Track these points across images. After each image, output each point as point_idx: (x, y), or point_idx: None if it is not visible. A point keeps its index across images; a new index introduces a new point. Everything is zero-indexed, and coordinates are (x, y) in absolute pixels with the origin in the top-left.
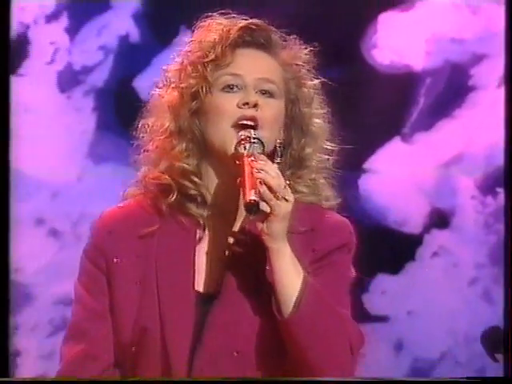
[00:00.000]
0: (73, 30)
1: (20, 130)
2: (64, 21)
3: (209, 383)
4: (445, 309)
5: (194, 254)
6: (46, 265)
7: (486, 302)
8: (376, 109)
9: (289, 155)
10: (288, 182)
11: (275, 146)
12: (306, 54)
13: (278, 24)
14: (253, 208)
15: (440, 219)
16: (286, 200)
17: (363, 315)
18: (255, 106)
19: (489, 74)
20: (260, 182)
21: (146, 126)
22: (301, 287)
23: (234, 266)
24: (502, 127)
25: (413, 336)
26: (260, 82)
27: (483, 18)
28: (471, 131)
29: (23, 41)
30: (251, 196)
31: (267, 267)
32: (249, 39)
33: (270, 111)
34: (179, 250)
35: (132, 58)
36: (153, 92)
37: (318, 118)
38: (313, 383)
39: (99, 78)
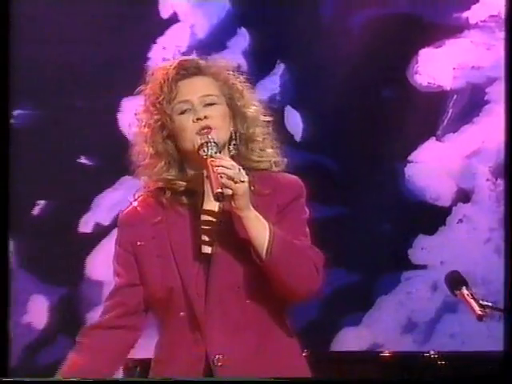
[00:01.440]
0: None
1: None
2: (194, 57)
3: (209, 383)
4: (467, 260)
5: (194, 227)
6: None
7: (497, 256)
8: (417, 117)
9: (239, 137)
10: (244, 164)
11: (230, 136)
12: (225, 63)
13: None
14: (219, 197)
15: (464, 196)
16: (242, 181)
17: (409, 265)
18: (205, 117)
19: (499, 92)
20: (220, 176)
21: (135, 153)
22: (268, 237)
23: (222, 231)
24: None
25: (443, 280)
26: (203, 99)
27: (495, 51)
28: (486, 133)
29: None
30: (216, 189)
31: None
32: (183, 72)
33: (217, 116)
34: (183, 228)
35: None
36: (132, 129)
37: (253, 105)
38: (313, 383)
39: None
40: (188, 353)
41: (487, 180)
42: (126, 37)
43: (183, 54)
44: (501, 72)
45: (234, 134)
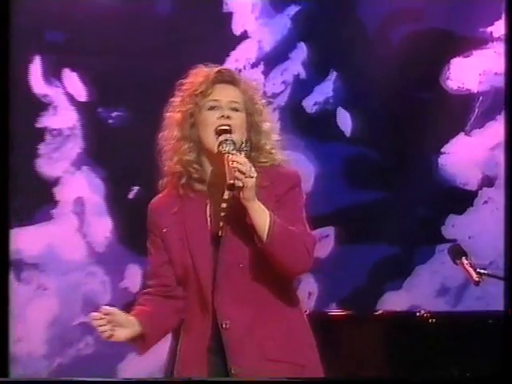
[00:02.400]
0: (266, 72)
1: None
2: (261, 67)
3: (209, 383)
4: (490, 234)
5: (205, 213)
6: None
7: None
8: (449, 116)
9: (251, 144)
10: (252, 164)
11: (242, 142)
12: (255, 85)
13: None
14: (231, 187)
15: (488, 181)
16: (252, 177)
17: (442, 239)
18: (228, 117)
19: None
20: (234, 170)
21: (163, 136)
22: (268, 224)
23: (230, 216)
24: None
25: (472, 251)
26: (230, 103)
27: None
28: (507, 129)
29: None
30: (229, 180)
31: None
32: (221, 78)
33: (237, 120)
34: (195, 213)
35: (301, 88)
36: (165, 114)
37: (268, 121)
38: (313, 383)
39: (282, 100)
40: (199, 320)
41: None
42: (205, 51)
43: (252, 65)
44: None
45: (245, 142)
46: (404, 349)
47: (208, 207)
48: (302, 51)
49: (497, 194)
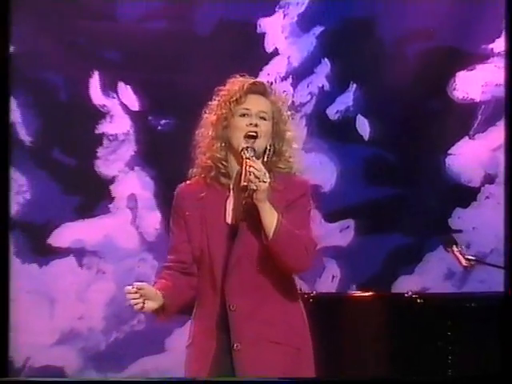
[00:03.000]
0: (295, 85)
1: None
2: (290, 80)
3: (210, 383)
4: (491, 225)
5: (225, 205)
6: None
7: None
8: (455, 121)
9: (273, 151)
10: (270, 168)
11: (266, 148)
12: (284, 98)
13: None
14: (245, 189)
15: (490, 179)
16: (265, 182)
17: (449, 229)
18: (256, 125)
19: None
20: (250, 173)
21: (199, 134)
22: (275, 225)
23: (246, 211)
24: None
25: (475, 240)
26: (259, 112)
27: None
28: (507, 133)
29: None
30: (243, 183)
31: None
32: (254, 89)
33: (263, 128)
34: (217, 204)
35: (325, 98)
36: (203, 115)
37: (291, 131)
38: (313, 383)
39: (308, 108)
40: (209, 299)
41: (506, 168)
42: (241, 66)
43: (282, 78)
44: None
45: (269, 147)
46: (397, 329)
47: (229, 200)
48: (325, 66)
49: (497, 190)
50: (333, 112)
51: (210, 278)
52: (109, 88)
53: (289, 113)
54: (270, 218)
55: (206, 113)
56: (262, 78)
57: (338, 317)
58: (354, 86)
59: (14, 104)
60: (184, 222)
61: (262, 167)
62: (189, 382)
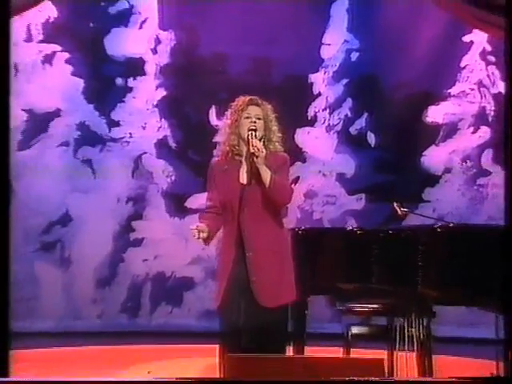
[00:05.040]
0: (330, 112)
1: None
2: (327, 111)
3: (208, 383)
4: (448, 198)
5: (239, 171)
6: None
7: (463, 198)
8: (427, 136)
9: (266, 137)
10: (264, 147)
11: (261, 136)
12: (270, 106)
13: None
14: (252, 155)
15: (448, 170)
16: (262, 151)
17: (421, 200)
18: (254, 122)
19: (467, 124)
20: (254, 147)
21: (220, 131)
22: (270, 177)
23: (252, 173)
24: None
25: (438, 207)
26: (256, 115)
27: (466, 105)
28: (459, 142)
29: None
30: (251, 151)
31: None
32: (252, 102)
33: (259, 124)
34: (234, 171)
35: (348, 121)
36: (223, 119)
37: (275, 126)
38: (313, 383)
39: (338, 127)
40: (231, 228)
41: (459, 163)
42: (296, 101)
43: (323, 109)
44: (469, 115)
45: (263, 136)
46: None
47: (241, 168)
48: (348, 102)
49: (452, 177)
50: (353, 130)
51: (231, 215)
52: (221, 115)
53: (274, 115)
54: (266, 175)
55: (225, 118)
56: (311, 109)
57: (315, 243)
58: (366, 114)
59: (165, 123)
60: (214, 182)
61: (261, 144)
62: (189, 382)
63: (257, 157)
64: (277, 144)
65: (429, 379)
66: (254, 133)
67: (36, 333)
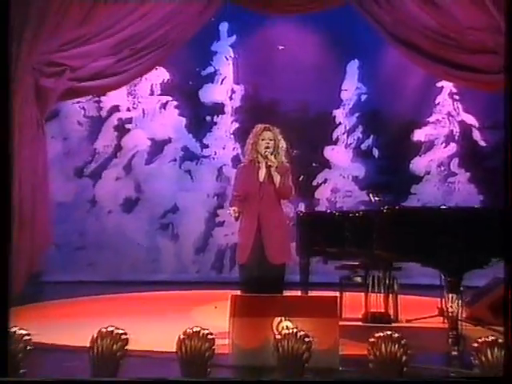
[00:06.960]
0: (348, 136)
1: None
2: (345, 135)
3: (208, 383)
4: (429, 193)
5: (258, 173)
6: None
7: (437, 191)
8: (413, 150)
9: (274, 151)
10: (275, 160)
11: (272, 151)
12: (278, 131)
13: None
14: (267, 164)
15: (428, 172)
16: (273, 162)
17: (409, 193)
18: (268, 143)
19: (442, 138)
20: (268, 158)
21: (245, 148)
22: (279, 180)
23: (266, 175)
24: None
25: (420, 198)
26: (269, 138)
27: (441, 129)
28: (436, 153)
29: None
30: (265, 159)
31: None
32: (266, 129)
33: (271, 144)
34: (254, 173)
35: (359, 142)
36: (247, 141)
37: (283, 144)
38: (313, 383)
39: (354, 146)
40: (250, 214)
41: (435, 168)
42: (320, 130)
43: (342, 134)
44: (442, 136)
45: (273, 152)
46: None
47: (260, 171)
48: (360, 129)
49: (432, 178)
50: (363, 147)
51: (252, 204)
52: None
53: (281, 136)
54: (276, 178)
55: (248, 139)
56: (335, 133)
57: (312, 221)
58: (372, 136)
59: (238, 145)
60: (241, 180)
61: (272, 157)
62: (189, 382)
63: (271, 166)
64: (282, 156)
65: (429, 379)
66: (267, 150)
67: (158, 281)
